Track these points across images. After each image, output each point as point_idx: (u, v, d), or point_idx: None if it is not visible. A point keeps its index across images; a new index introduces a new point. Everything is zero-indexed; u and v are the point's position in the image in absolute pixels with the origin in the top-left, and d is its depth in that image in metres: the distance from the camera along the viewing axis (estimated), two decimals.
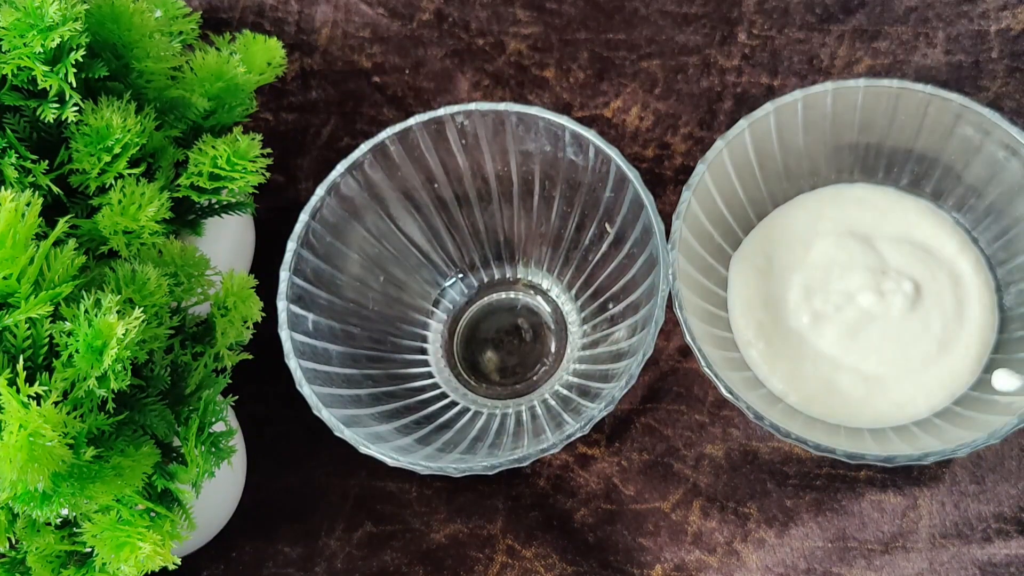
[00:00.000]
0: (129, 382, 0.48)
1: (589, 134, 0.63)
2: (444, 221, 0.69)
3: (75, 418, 0.47)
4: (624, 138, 0.72)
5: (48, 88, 0.52)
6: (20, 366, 0.46)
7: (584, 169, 0.65)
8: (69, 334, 0.48)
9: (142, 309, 0.49)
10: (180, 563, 0.51)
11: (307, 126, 0.74)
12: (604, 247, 0.66)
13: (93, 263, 0.53)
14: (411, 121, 0.64)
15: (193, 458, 0.52)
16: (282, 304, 0.61)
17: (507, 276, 0.70)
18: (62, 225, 0.50)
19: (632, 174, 0.62)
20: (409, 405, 0.65)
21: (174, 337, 0.54)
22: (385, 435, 0.61)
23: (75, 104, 0.52)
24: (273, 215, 0.69)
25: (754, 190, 0.65)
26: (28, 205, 0.48)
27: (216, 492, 0.59)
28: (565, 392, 0.64)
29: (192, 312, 0.56)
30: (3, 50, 0.52)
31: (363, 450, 0.58)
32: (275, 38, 0.62)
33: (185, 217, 0.59)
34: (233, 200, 0.60)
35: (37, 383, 0.46)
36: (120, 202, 0.53)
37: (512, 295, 0.70)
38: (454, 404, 0.66)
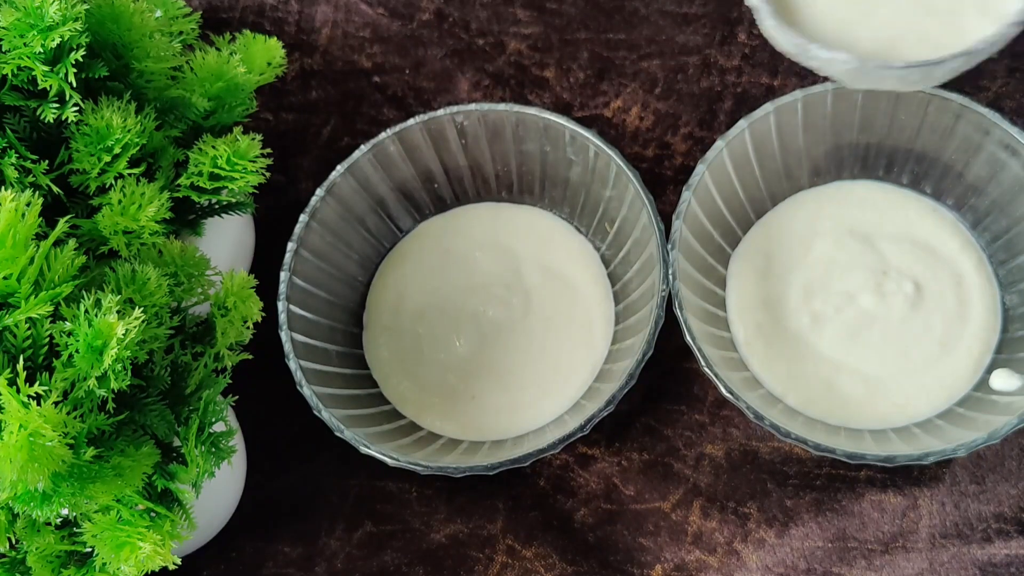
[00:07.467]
0: (129, 382, 0.48)
1: (589, 134, 0.63)
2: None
3: (75, 418, 0.47)
4: (624, 138, 0.72)
5: (48, 88, 0.52)
6: (20, 366, 0.46)
7: (584, 169, 0.65)
8: (69, 334, 0.48)
9: (142, 309, 0.49)
10: (180, 563, 0.51)
11: (307, 126, 0.74)
12: (604, 247, 0.66)
13: (93, 263, 0.53)
14: (411, 121, 0.65)
15: (193, 458, 0.52)
16: (282, 304, 0.61)
17: None
18: (62, 225, 0.50)
19: (632, 174, 0.62)
20: None
21: (174, 337, 0.54)
22: (385, 435, 0.61)
23: (75, 104, 0.52)
24: (273, 215, 0.69)
25: (754, 190, 0.65)
26: (28, 205, 0.48)
27: (216, 492, 0.59)
28: None
29: (192, 312, 0.56)
30: (3, 50, 0.52)
31: (363, 450, 0.58)
32: (275, 38, 0.62)
33: (185, 217, 0.59)
34: (233, 200, 0.60)
35: (37, 383, 0.46)
36: (120, 202, 0.53)
37: None
38: None
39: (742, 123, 0.63)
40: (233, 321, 0.55)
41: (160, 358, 0.53)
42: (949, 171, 0.64)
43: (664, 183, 0.70)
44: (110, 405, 0.49)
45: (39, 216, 0.49)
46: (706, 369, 0.58)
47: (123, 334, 0.47)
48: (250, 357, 0.57)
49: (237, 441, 0.62)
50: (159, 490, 0.52)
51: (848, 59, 0.48)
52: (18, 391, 0.46)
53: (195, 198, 0.58)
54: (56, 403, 0.46)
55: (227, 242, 0.65)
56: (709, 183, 0.62)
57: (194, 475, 0.52)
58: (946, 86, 0.62)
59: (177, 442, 0.54)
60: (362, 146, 0.64)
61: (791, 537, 0.61)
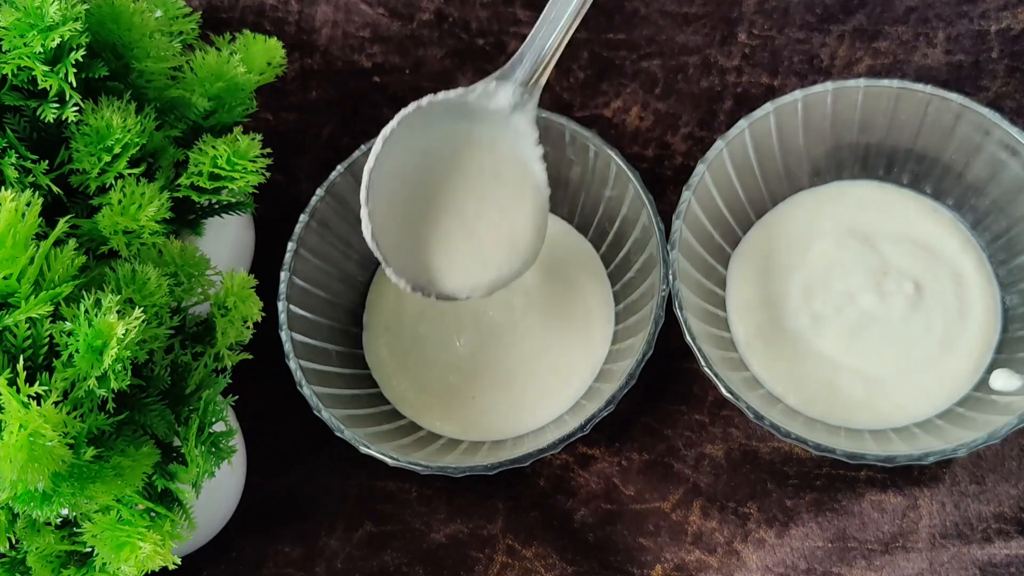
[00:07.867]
0: (129, 382, 0.48)
1: (589, 134, 0.63)
2: None
3: (75, 418, 0.47)
4: (624, 138, 0.71)
5: (48, 88, 0.52)
6: (20, 366, 0.46)
7: (584, 169, 0.65)
8: (69, 334, 0.48)
9: (142, 309, 0.49)
10: (180, 563, 0.51)
11: (307, 126, 0.74)
12: (604, 247, 0.66)
13: (93, 263, 0.53)
14: None
15: (193, 458, 0.52)
16: (282, 304, 0.61)
17: None
18: (62, 225, 0.50)
19: (632, 174, 0.62)
20: None
21: (174, 337, 0.54)
22: (385, 435, 0.61)
23: (75, 104, 0.52)
24: (273, 215, 0.69)
25: (754, 190, 0.65)
26: (28, 205, 0.48)
27: (216, 492, 0.59)
28: None
29: (192, 312, 0.56)
30: (3, 50, 0.52)
31: (363, 450, 0.58)
32: (275, 38, 0.62)
33: (185, 217, 0.59)
34: (233, 200, 0.60)
35: (37, 383, 0.46)
36: (120, 202, 0.53)
37: None
38: None
39: (742, 123, 0.63)
40: (233, 321, 0.55)
41: (160, 358, 0.53)
42: (949, 171, 0.64)
43: (664, 183, 0.70)
44: (110, 405, 0.49)
45: (39, 216, 0.49)
46: (706, 369, 0.58)
47: (123, 334, 0.47)
48: (250, 357, 0.57)
49: (237, 441, 0.62)
50: (159, 490, 0.52)
51: (403, 287, 0.57)
52: (18, 391, 0.46)
53: (195, 198, 0.58)
54: (56, 403, 0.46)
55: (227, 242, 0.65)
56: (709, 183, 0.62)
57: (194, 475, 0.52)
58: (946, 86, 0.62)
59: (177, 442, 0.54)
60: (362, 146, 0.64)
61: (791, 537, 0.61)
